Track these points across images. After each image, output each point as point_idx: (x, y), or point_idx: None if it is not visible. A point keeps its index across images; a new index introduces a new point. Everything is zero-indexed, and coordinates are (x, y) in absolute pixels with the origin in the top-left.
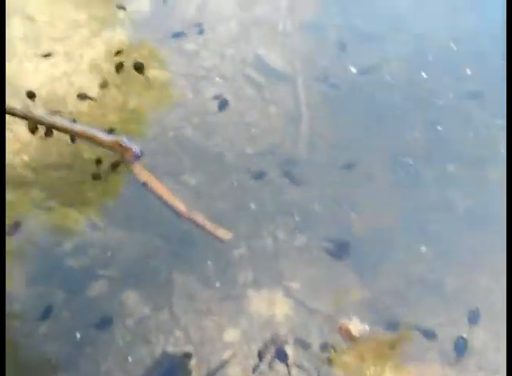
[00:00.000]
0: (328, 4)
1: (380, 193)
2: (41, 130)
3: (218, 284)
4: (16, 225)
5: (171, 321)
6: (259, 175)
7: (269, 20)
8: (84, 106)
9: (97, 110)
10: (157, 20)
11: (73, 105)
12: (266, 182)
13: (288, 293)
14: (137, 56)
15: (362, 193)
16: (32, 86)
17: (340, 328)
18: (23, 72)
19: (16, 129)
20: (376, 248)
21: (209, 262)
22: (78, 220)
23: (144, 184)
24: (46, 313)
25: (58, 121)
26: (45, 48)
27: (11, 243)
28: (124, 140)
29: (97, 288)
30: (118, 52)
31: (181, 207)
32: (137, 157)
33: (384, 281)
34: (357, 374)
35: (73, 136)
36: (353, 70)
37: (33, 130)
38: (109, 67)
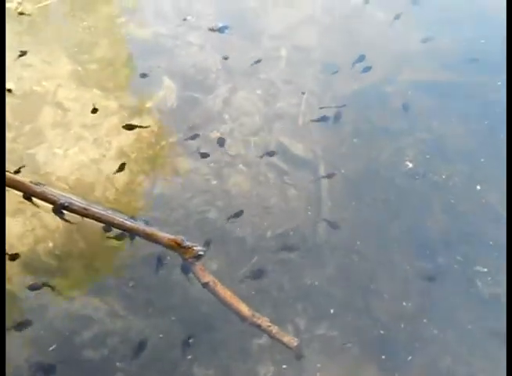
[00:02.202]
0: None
1: (401, 279)
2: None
3: None
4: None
5: None
6: (279, 259)
7: (290, 114)
8: (111, 192)
9: (124, 196)
10: (184, 110)
11: (101, 191)
12: (286, 266)
13: None
14: (164, 144)
15: (383, 279)
16: (60, 173)
17: None
18: (52, 159)
19: (43, 217)
20: (401, 339)
21: (229, 353)
22: (99, 308)
23: (205, 285)
24: None
25: (117, 218)
26: (74, 135)
27: (32, 330)
28: (185, 239)
29: None
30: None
31: (244, 310)
32: (198, 257)
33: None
34: None
35: (133, 234)
36: (372, 155)
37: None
38: (136, 155)
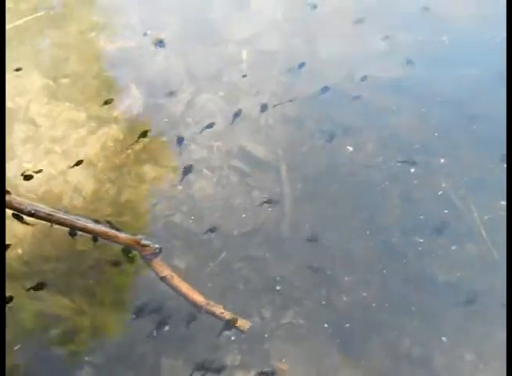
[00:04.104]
0: (306, 99)
1: (361, 268)
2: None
3: (205, 368)
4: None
5: None
6: (245, 256)
7: (252, 115)
8: (79, 201)
9: (91, 204)
10: (149, 117)
11: (69, 201)
12: (252, 262)
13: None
14: (130, 152)
15: (343, 268)
16: (30, 185)
17: None
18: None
19: (11, 224)
20: (362, 325)
21: (196, 345)
22: (67, 306)
23: (162, 278)
24: None
25: (80, 222)
26: (44, 149)
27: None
28: (143, 238)
29: None
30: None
31: (199, 299)
32: (156, 254)
33: (371, 359)
34: None
35: (95, 236)
36: (335, 153)
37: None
38: (103, 164)
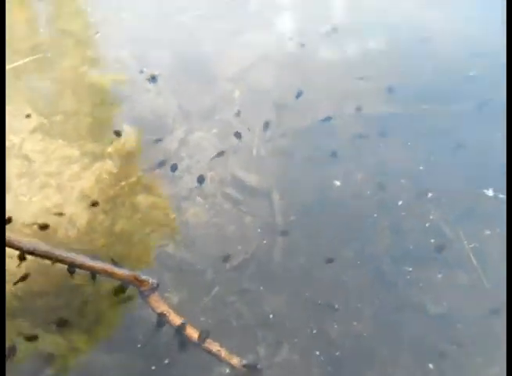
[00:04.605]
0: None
1: (355, 299)
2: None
3: None
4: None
5: None
6: (239, 290)
7: (244, 147)
8: (73, 232)
9: (86, 235)
10: (143, 153)
11: (63, 232)
12: (245, 295)
13: None
14: (124, 184)
15: (339, 299)
16: (26, 218)
17: None
18: (18, 206)
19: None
20: (356, 358)
21: None
22: (61, 345)
23: (160, 315)
24: None
25: (78, 258)
26: (39, 183)
27: None
28: (141, 274)
29: None
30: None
31: (195, 335)
32: (153, 289)
33: None
34: None
35: (94, 273)
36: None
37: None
38: (97, 196)
